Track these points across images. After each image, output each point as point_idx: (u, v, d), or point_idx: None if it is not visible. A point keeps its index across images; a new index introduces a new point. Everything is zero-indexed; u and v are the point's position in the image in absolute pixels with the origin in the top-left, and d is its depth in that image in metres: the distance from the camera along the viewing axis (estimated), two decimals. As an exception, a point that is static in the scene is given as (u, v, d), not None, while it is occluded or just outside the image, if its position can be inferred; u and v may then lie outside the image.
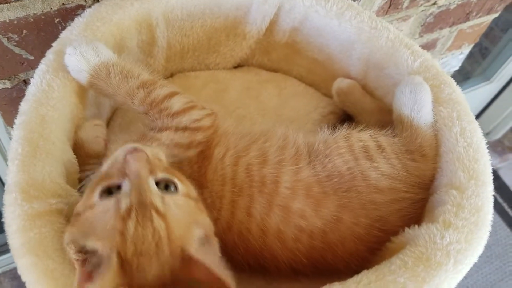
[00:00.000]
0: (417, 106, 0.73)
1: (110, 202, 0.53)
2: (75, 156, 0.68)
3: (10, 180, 0.60)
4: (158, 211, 0.52)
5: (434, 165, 0.72)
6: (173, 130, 0.67)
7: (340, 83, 0.87)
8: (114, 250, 0.50)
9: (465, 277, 0.61)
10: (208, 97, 0.91)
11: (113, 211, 0.52)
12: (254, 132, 0.74)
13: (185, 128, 0.68)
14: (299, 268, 0.67)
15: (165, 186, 0.56)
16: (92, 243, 0.51)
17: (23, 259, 0.56)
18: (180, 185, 0.57)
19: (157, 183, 0.55)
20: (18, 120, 0.64)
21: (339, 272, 0.67)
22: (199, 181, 0.65)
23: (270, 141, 0.71)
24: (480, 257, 0.62)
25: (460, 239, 0.60)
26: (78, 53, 0.67)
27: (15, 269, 1.57)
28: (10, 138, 1.03)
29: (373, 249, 0.67)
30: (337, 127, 0.75)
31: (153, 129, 0.68)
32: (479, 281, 1.82)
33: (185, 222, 0.54)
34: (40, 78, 0.68)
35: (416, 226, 0.64)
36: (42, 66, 0.69)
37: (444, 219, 0.62)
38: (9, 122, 0.96)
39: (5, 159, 1.20)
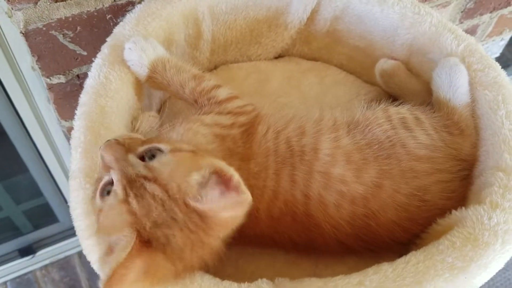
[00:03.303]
0: (453, 87, 0.75)
1: (110, 197, 0.55)
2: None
3: (74, 166, 0.64)
4: (146, 178, 0.54)
5: (472, 142, 0.73)
6: (217, 114, 0.73)
7: (384, 64, 0.87)
8: (131, 229, 0.53)
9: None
10: (250, 88, 0.94)
11: (115, 202, 0.55)
12: (293, 112, 0.78)
13: (229, 112, 0.73)
14: (344, 238, 0.68)
15: (152, 155, 0.57)
16: (115, 238, 0.54)
17: (88, 240, 0.60)
18: (163, 146, 0.58)
19: (142, 158, 0.57)
20: (79, 111, 0.69)
21: (385, 245, 0.69)
22: (245, 154, 0.69)
23: (307, 116, 0.75)
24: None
25: (507, 220, 0.61)
26: (139, 48, 0.72)
27: (62, 259, 1.64)
28: (63, 131, 1.09)
29: (416, 220, 0.68)
30: (374, 104, 0.77)
31: (198, 113, 0.73)
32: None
33: (179, 175, 0.55)
34: (98, 71, 0.72)
35: (463, 208, 0.65)
36: (98, 60, 0.74)
37: (491, 201, 0.63)
38: (63, 116, 1.01)
39: (56, 153, 1.26)
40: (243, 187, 0.52)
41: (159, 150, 0.58)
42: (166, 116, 0.90)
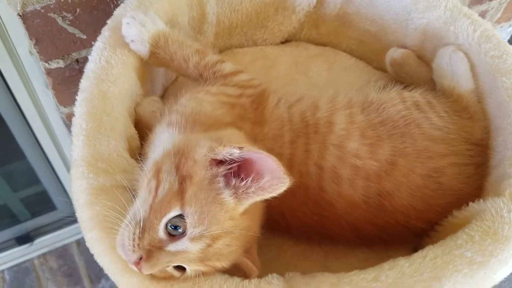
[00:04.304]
0: (456, 75, 0.76)
1: None
2: (136, 131, 0.69)
3: (76, 155, 0.61)
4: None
5: (482, 127, 0.73)
6: (223, 85, 0.72)
7: (394, 53, 0.85)
8: None
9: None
10: (256, 74, 0.89)
11: None
12: (303, 92, 0.77)
13: (235, 85, 0.73)
14: (357, 221, 0.66)
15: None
16: None
17: (91, 232, 0.57)
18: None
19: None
20: (79, 97, 0.66)
21: (398, 233, 0.67)
22: (257, 119, 0.68)
23: (320, 95, 0.74)
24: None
25: (528, 213, 0.58)
26: (137, 23, 0.69)
27: (60, 248, 1.62)
28: (62, 118, 1.05)
29: (432, 205, 0.66)
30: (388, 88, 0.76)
31: (203, 85, 0.73)
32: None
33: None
34: (98, 55, 0.68)
35: (481, 200, 0.62)
36: (99, 43, 0.70)
37: (510, 193, 0.61)
38: (62, 102, 0.97)
39: (54, 140, 1.23)
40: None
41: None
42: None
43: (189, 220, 0.51)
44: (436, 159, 0.67)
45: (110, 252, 0.56)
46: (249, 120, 0.68)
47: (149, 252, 0.52)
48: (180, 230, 0.52)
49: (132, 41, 0.70)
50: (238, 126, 0.63)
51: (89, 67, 0.68)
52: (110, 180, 0.60)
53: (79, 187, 0.59)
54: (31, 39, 0.81)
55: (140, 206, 0.53)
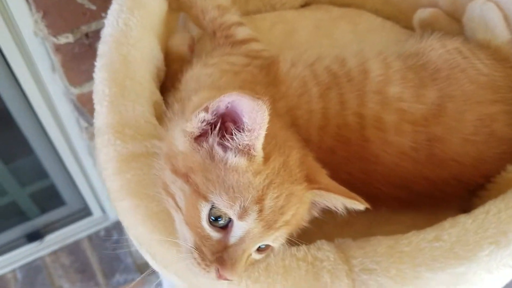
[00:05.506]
0: (489, 27, 0.72)
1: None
2: (162, 98, 0.64)
3: (100, 122, 0.57)
4: None
5: None
6: (227, 54, 0.70)
7: (422, 14, 0.81)
8: None
9: None
10: (276, 40, 0.86)
11: None
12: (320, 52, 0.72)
13: (243, 54, 0.70)
14: (405, 173, 0.61)
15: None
16: None
17: (123, 201, 0.53)
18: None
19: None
20: (98, 63, 0.61)
21: (449, 188, 0.62)
22: (270, 82, 0.64)
23: (343, 51, 0.70)
24: None
25: None
26: None
27: (72, 244, 1.58)
28: (72, 100, 1.00)
29: (485, 155, 0.62)
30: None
31: (213, 55, 0.70)
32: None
33: None
34: (115, 18, 0.64)
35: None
36: (115, 5, 0.66)
37: None
38: (72, 80, 0.93)
39: (61, 127, 1.18)
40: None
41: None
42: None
43: (220, 204, 0.46)
44: (486, 105, 0.63)
45: (146, 221, 0.52)
46: (260, 83, 0.64)
47: (220, 260, 0.47)
48: (224, 218, 0.47)
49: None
50: (249, 89, 0.59)
51: (106, 31, 0.63)
52: (140, 147, 0.55)
53: (106, 155, 0.54)
54: (38, 11, 0.76)
55: (180, 230, 0.50)
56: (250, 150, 0.46)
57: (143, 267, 1.62)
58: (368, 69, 0.64)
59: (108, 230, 1.57)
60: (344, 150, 0.60)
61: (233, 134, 0.46)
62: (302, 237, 0.63)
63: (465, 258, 0.51)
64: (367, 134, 0.60)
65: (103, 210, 1.52)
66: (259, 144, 0.46)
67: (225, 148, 0.47)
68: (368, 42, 0.85)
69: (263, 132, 0.45)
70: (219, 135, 0.47)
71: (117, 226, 1.57)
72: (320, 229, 0.67)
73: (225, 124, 0.47)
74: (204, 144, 0.48)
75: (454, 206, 0.67)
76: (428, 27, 0.81)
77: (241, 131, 0.45)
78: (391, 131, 0.60)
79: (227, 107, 0.45)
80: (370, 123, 0.60)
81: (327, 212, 0.68)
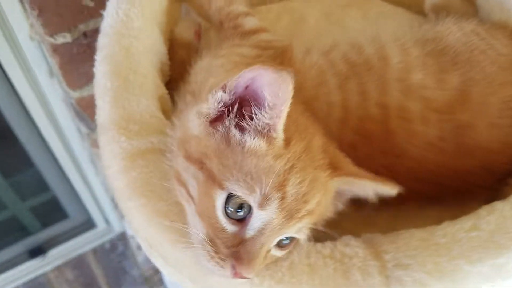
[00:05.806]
0: (505, 7, 0.69)
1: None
2: (167, 91, 0.60)
3: (102, 118, 0.53)
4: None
5: None
6: (237, 46, 0.66)
7: None
8: None
9: None
10: (284, 30, 0.82)
11: None
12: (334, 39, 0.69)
13: (253, 45, 0.66)
14: (433, 166, 0.57)
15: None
16: None
17: (130, 201, 0.49)
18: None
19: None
20: (99, 56, 0.57)
21: (477, 178, 0.59)
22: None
23: (357, 37, 0.67)
24: None
25: None
26: None
27: (76, 258, 1.54)
28: (71, 104, 0.96)
29: (510, 135, 0.59)
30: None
31: (223, 46, 0.66)
32: None
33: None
34: (115, 9, 0.60)
35: None
36: (114, -4, 0.61)
37: None
38: (71, 84, 0.89)
39: (60, 137, 1.14)
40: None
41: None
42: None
43: (238, 191, 0.42)
44: (509, 86, 0.60)
45: (154, 221, 0.47)
46: None
47: (235, 255, 0.42)
48: (243, 210, 0.43)
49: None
50: None
51: (106, 23, 0.60)
52: (145, 143, 0.51)
53: (110, 152, 0.50)
54: (33, 8, 0.73)
55: (191, 222, 0.45)
56: (270, 132, 0.42)
57: (150, 279, 1.58)
58: (387, 55, 0.61)
59: (113, 242, 1.53)
60: (366, 145, 0.56)
61: (253, 113, 0.42)
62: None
63: (505, 248, 0.47)
64: (392, 126, 0.56)
65: (107, 221, 1.48)
66: (280, 124, 0.42)
67: (242, 130, 0.43)
68: (381, 28, 0.81)
69: (285, 109, 0.40)
70: (237, 116, 0.43)
71: (122, 238, 1.54)
72: (340, 226, 0.63)
73: (241, 110, 0.43)
74: (220, 128, 0.44)
75: (479, 198, 0.63)
76: (442, 11, 0.77)
77: (262, 108, 0.41)
78: (416, 121, 0.57)
79: (247, 86, 0.41)
80: (394, 113, 0.57)
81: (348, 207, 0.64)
